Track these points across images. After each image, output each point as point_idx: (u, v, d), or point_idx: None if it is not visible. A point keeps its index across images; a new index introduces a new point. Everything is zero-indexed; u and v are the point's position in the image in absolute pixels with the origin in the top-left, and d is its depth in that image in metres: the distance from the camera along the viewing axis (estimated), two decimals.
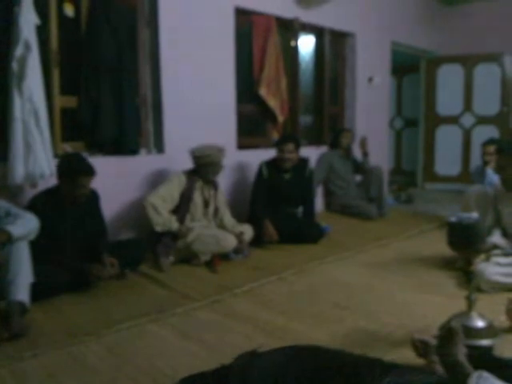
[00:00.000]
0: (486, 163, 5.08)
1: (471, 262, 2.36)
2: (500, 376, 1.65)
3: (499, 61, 7.46)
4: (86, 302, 3.03)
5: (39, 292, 2.82)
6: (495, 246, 3.37)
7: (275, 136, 5.55)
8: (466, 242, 2.36)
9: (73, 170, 3.13)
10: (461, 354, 1.86)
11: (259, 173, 4.61)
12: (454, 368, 1.81)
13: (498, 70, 7.49)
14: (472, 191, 3.80)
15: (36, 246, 2.79)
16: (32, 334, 2.55)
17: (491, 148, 5.04)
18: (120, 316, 2.78)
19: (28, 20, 3.21)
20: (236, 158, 4.97)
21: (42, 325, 2.67)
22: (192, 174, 4.03)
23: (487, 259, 3.18)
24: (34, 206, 3.05)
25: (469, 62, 7.63)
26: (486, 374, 1.64)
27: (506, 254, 3.25)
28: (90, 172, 3.17)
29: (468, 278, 2.37)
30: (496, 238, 3.42)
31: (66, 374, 2.19)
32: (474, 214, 2.46)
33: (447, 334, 1.93)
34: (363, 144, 6.02)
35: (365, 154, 6.00)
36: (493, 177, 4.67)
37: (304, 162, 4.77)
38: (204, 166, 3.99)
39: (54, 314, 2.83)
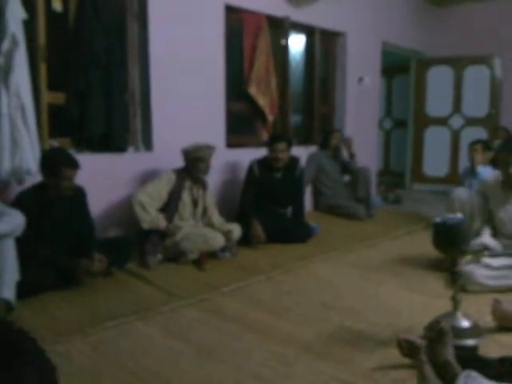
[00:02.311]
0: (473, 162, 5.15)
1: (456, 263, 2.37)
2: (484, 376, 1.66)
3: (489, 63, 7.51)
4: (72, 299, 3.01)
5: (25, 290, 2.80)
6: (485, 247, 3.38)
7: (265, 135, 5.54)
8: (449, 243, 2.37)
9: (55, 163, 3.11)
10: (450, 354, 1.88)
11: (250, 171, 4.59)
12: (444, 368, 1.83)
13: (487, 72, 7.53)
14: (455, 194, 3.81)
15: (22, 243, 2.77)
16: None
17: (478, 146, 5.15)
18: (106, 314, 2.76)
19: (15, 14, 3.18)
20: (225, 157, 4.95)
21: (28, 323, 2.64)
22: (181, 173, 4.02)
23: (475, 260, 3.19)
24: (20, 203, 3.02)
25: (458, 63, 7.67)
26: (474, 374, 1.65)
27: (494, 255, 3.26)
28: (72, 164, 3.14)
29: (453, 278, 2.38)
30: (485, 238, 3.44)
31: None
32: (459, 215, 2.47)
33: (437, 335, 1.94)
34: (348, 145, 6.05)
35: (351, 155, 6.02)
36: (485, 172, 4.71)
37: (295, 161, 4.77)
38: (194, 162, 3.98)
39: (39, 312, 2.81)
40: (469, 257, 3.10)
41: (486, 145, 5.28)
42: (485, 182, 3.77)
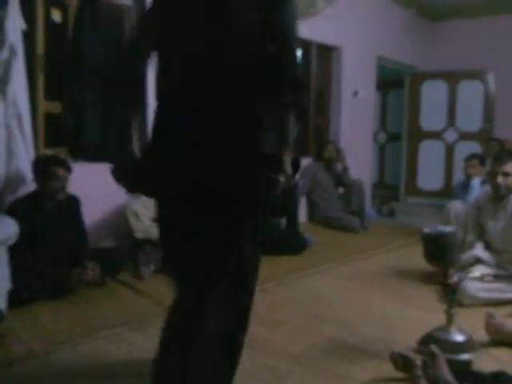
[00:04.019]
0: (468, 176, 5.17)
1: (448, 276, 2.38)
2: None
3: (482, 78, 7.57)
4: (64, 309, 2.99)
5: (17, 299, 2.78)
6: (478, 260, 3.39)
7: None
8: (439, 254, 2.38)
9: (46, 162, 3.18)
10: (447, 372, 1.88)
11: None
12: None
13: (481, 86, 7.59)
14: (451, 206, 3.83)
15: (14, 252, 2.76)
16: (8, 341, 2.50)
17: (474, 161, 5.15)
18: (98, 324, 2.74)
19: (14, 24, 3.20)
20: None
21: (19, 332, 2.63)
22: None
23: (465, 273, 3.20)
24: (13, 211, 3.01)
25: (452, 78, 7.73)
26: None
27: (496, 277, 3.27)
28: (61, 163, 3.20)
29: (446, 291, 2.38)
30: (479, 250, 3.45)
31: (41, 382, 2.15)
32: (449, 227, 2.48)
33: (429, 359, 1.95)
34: (341, 158, 6.07)
35: (344, 169, 6.05)
36: (479, 186, 4.73)
37: None
38: None
39: (31, 322, 2.78)
40: (459, 269, 3.11)
41: (482, 159, 5.30)
42: (479, 196, 3.78)
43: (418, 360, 2.00)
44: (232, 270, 1.71)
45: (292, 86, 1.75)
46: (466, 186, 5.18)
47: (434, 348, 1.98)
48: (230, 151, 1.66)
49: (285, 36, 1.78)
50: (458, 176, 6.47)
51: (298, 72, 1.81)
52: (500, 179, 3.34)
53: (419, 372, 1.96)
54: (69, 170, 3.24)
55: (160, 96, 1.89)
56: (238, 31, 1.74)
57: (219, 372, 1.84)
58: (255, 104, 1.77)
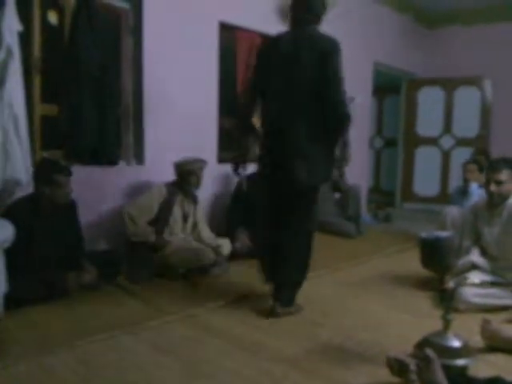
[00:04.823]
0: (466, 181, 5.15)
1: (444, 281, 2.37)
2: None
3: (479, 84, 7.59)
4: (59, 312, 2.98)
5: (13, 301, 2.76)
6: (474, 265, 3.39)
7: (256, 151, 5.54)
8: (435, 259, 2.37)
9: (49, 171, 3.17)
10: (442, 377, 1.87)
11: (238, 187, 4.61)
12: None
13: (477, 93, 7.61)
14: (448, 211, 3.83)
15: (11, 255, 2.74)
16: (4, 344, 2.49)
17: (472, 166, 5.14)
18: (93, 327, 2.74)
19: (10, 26, 3.18)
20: (217, 172, 4.96)
21: (14, 335, 2.62)
22: (173, 187, 4.01)
23: (462, 279, 3.19)
24: (10, 214, 2.99)
25: (449, 84, 7.75)
26: None
27: (494, 284, 3.26)
28: (65, 171, 3.21)
29: (441, 297, 2.38)
30: (475, 256, 3.45)
31: None
32: (446, 232, 2.48)
33: (424, 362, 1.94)
34: None
35: (340, 174, 6.04)
36: (477, 192, 4.73)
37: None
38: (185, 175, 3.99)
39: (26, 325, 2.78)
40: (455, 274, 3.11)
41: (480, 165, 5.29)
42: (476, 202, 3.78)
43: (413, 365, 1.99)
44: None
45: (341, 117, 2.88)
46: (464, 191, 5.17)
47: (429, 352, 1.97)
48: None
49: (335, 84, 2.86)
50: (454, 182, 6.48)
51: (346, 108, 2.88)
52: (493, 187, 3.33)
53: (413, 376, 1.96)
54: (70, 174, 3.25)
55: (262, 122, 3.17)
56: (303, 81, 2.89)
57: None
58: (314, 128, 2.91)
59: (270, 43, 3.26)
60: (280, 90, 2.97)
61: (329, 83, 2.84)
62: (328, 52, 2.93)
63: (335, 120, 2.88)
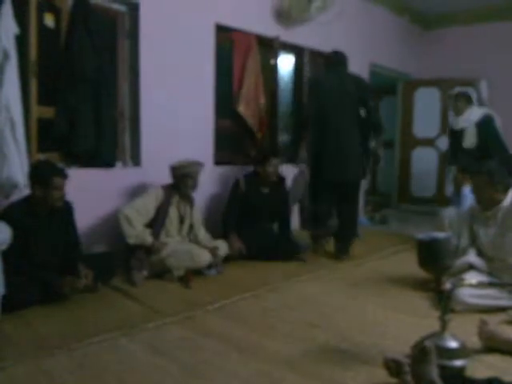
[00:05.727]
0: (458, 185, 5.17)
1: (441, 282, 2.38)
2: None
3: (475, 85, 7.60)
4: (56, 314, 2.97)
5: (10, 304, 2.76)
6: (470, 266, 3.39)
7: (253, 153, 5.55)
8: (432, 260, 2.38)
9: (45, 173, 3.15)
10: (434, 373, 1.87)
11: (235, 187, 4.61)
12: None
13: (473, 94, 7.60)
14: (445, 213, 3.84)
15: (8, 257, 2.74)
16: (1, 346, 2.49)
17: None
18: (91, 330, 2.73)
19: (7, 29, 3.18)
20: (213, 174, 4.96)
21: (11, 337, 2.62)
22: (169, 189, 4.01)
23: (458, 280, 3.19)
24: (7, 216, 2.98)
25: (445, 85, 7.75)
26: None
27: (492, 285, 3.26)
28: (61, 173, 3.19)
29: (439, 298, 2.38)
30: (471, 257, 3.45)
31: None
32: (443, 233, 2.49)
33: (421, 354, 1.93)
34: None
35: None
36: (470, 195, 4.73)
37: (281, 179, 4.82)
38: (182, 178, 3.99)
39: (23, 327, 2.77)
40: (452, 275, 3.11)
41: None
42: (473, 203, 3.79)
43: (407, 366, 1.99)
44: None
45: (376, 128, 4.73)
46: (458, 194, 5.20)
47: (428, 343, 1.97)
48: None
49: (370, 105, 4.62)
50: (451, 183, 6.48)
51: (381, 123, 4.74)
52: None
53: (408, 377, 1.96)
54: (66, 177, 3.23)
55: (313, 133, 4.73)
56: (349, 104, 4.56)
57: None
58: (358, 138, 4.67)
59: (319, 80, 4.92)
60: (336, 112, 4.55)
61: (367, 105, 4.64)
62: (363, 87, 4.74)
63: (374, 130, 4.74)
